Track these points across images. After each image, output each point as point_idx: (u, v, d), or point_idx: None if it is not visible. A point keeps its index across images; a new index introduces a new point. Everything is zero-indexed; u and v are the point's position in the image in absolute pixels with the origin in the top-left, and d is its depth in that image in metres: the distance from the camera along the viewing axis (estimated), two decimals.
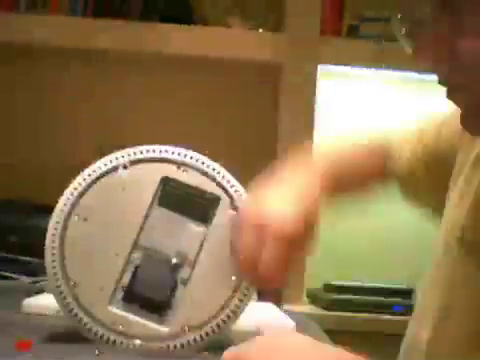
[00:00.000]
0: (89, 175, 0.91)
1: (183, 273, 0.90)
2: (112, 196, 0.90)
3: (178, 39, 1.58)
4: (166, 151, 0.92)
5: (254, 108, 1.69)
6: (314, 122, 1.58)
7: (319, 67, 1.59)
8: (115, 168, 0.91)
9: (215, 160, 0.95)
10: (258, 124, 1.69)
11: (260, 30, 1.62)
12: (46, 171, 1.65)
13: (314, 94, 1.58)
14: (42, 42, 1.56)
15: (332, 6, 1.63)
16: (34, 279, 1.35)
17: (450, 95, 0.68)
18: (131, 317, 0.89)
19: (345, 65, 1.62)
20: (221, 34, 1.59)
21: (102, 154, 0.90)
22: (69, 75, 1.68)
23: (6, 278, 1.37)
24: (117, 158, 0.91)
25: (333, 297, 1.55)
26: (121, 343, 0.87)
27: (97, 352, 0.82)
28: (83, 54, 1.64)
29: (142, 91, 1.69)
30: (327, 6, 1.62)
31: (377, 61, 1.57)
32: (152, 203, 0.90)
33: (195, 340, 0.88)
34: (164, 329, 0.89)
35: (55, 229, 0.90)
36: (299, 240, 0.78)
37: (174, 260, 0.90)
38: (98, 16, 1.60)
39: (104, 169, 0.91)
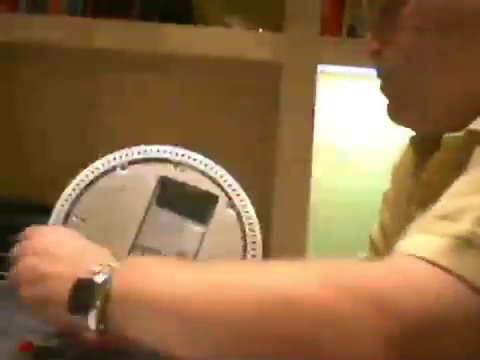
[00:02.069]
0: (87, 175, 0.91)
1: None
2: (110, 196, 0.90)
3: (178, 39, 1.57)
4: (164, 151, 0.92)
5: (254, 108, 1.69)
6: (314, 122, 1.58)
7: (319, 67, 1.59)
8: (113, 168, 0.91)
9: (214, 160, 0.95)
10: (258, 124, 1.69)
11: (260, 30, 1.62)
12: (46, 171, 1.65)
13: (314, 94, 1.58)
14: (42, 42, 1.56)
15: (332, 6, 1.63)
16: None
17: (381, 86, 0.82)
18: None
19: (345, 65, 1.62)
20: (221, 34, 1.59)
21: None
22: (69, 75, 1.68)
23: (6, 278, 1.37)
24: (115, 158, 0.91)
25: None
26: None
27: None
28: (83, 54, 1.64)
29: (141, 91, 1.69)
30: (327, 6, 1.62)
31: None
32: (150, 203, 0.90)
33: None
34: None
35: None
36: None
37: None
38: (98, 16, 1.60)
39: (102, 169, 0.91)
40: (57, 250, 0.73)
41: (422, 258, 0.58)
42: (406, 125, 0.83)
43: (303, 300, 0.56)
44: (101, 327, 0.65)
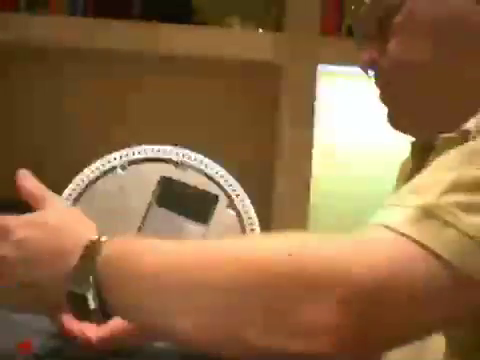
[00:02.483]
0: (88, 175, 0.91)
1: None
2: (111, 196, 0.90)
3: (178, 39, 1.58)
4: (165, 151, 0.92)
5: (254, 108, 1.69)
6: (314, 122, 1.58)
7: (319, 67, 1.59)
8: (114, 168, 0.91)
9: (214, 160, 0.95)
10: (258, 124, 1.69)
11: (260, 30, 1.62)
12: (46, 171, 1.65)
13: (314, 94, 1.58)
14: (42, 42, 1.56)
15: (332, 6, 1.63)
16: None
17: (379, 95, 0.84)
18: None
19: (345, 65, 1.62)
20: (221, 34, 1.59)
21: None
22: (69, 75, 1.68)
23: None
24: (115, 158, 0.91)
25: None
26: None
27: None
28: (83, 54, 1.64)
29: (142, 91, 1.69)
30: (327, 6, 1.62)
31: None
32: (151, 203, 0.90)
33: None
34: None
35: None
36: None
37: None
38: (98, 16, 1.60)
39: (103, 169, 0.91)
40: (41, 225, 0.74)
41: (386, 226, 0.61)
42: (405, 132, 0.85)
43: (272, 270, 0.59)
44: (102, 309, 0.66)
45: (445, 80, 0.79)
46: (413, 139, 0.88)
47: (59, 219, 0.76)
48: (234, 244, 0.64)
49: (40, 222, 0.76)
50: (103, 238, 0.69)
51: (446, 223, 0.59)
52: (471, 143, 0.66)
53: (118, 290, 0.65)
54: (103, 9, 1.61)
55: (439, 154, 0.74)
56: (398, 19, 0.79)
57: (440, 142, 0.76)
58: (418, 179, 0.66)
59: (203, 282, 0.61)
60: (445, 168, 0.64)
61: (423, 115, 0.82)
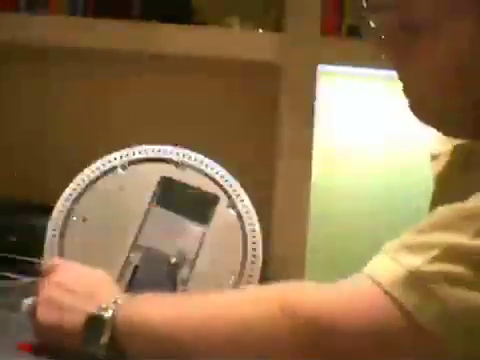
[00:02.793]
0: (88, 175, 0.91)
1: (182, 273, 0.90)
2: (111, 196, 0.90)
3: (178, 39, 1.57)
4: (165, 151, 0.92)
5: (254, 108, 1.69)
6: (314, 122, 1.58)
7: (319, 67, 1.58)
8: (114, 168, 0.91)
9: (214, 160, 0.95)
10: (258, 124, 1.68)
11: (260, 30, 1.62)
12: (46, 171, 1.65)
13: (314, 94, 1.57)
14: (42, 42, 1.56)
15: (332, 6, 1.63)
16: (34, 279, 1.35)
17: (402, 90, 0.83)
18: None
19: (345, 65, 1.62)
20: (221, 34, 1.59)
21: None
22: (69, 75, 1.68)
23: (6, 278, 1.37)
24: (116, 158, 0.92)
25: None
26: None
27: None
28: (83, 54, 1.64)
29: (141, 91, 1.69)
30: (327, 6, 1.62)
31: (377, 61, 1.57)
32: (151, 203, 0.90)
33: None
34: None
35: (54, 229, 0.90)
36: None
37: (173, 260, 0.90)
38: (98, 16, 1.60)
39: (103, 169, 0.91)
40: (74, 284, 0.82)
41: (375, 280, 0.66)
42: (428, 124, 0.84)
43: (262, 323, 0.67)
44: (112, 352, 0.77)
45: (473, 99, 0.78)
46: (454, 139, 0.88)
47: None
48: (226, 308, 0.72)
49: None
50: (122, 299, 0.79)
51: (430, 293, 0.63)
52: (469, 204, 0.67)
53: (131, 349, 0.76)
54: (103, 9, 1.61)
55: (453, 159, 0.77)
56: (427, 45, 0.78)
57: (456, 147, 0.77)
58: (417, 232, 0.69)
59: (206, 330, 0.70)
60: (443, 225, 0.67)
61: (451, 123, 0.81)
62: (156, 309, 0.76)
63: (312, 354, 0.64)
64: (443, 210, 0.68)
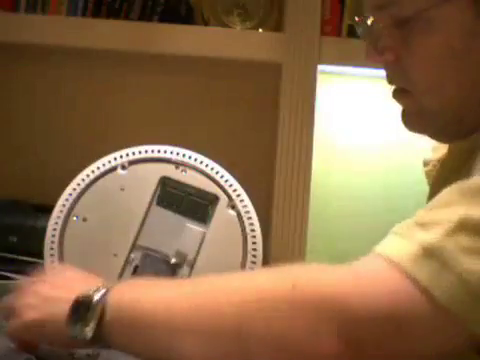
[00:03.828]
0: (88, 175, 0.91)
1: (183, 273, 0.90)
2: (111, 196, 0.90)
3: (178, 39, 1.57)
4: (165, 151, 0.92)
5: (254, 108, 1.69)
6: (314, 122, 1.58)
7: (319, 67, 1.58)
8: (114, 168, 0.91)
9: (214, 160, 0.95)
10: (258, 124, 1.69)
11: (260, 30, 1.62)
12: (46, 171, 1.65)
13: (314, 94, 1.57)
14: (42, 42, 1.56)
15: (332, 6, 1.63)
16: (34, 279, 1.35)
17: (397, 97, 0.85)
18: None
19: (345, 65, 1.62)
20: (221, 34, 1.59)
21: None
22: (69, 75, 1.68)
23: (6, 278, 1.37)
24: (116, 158, 0.92)
25: None
26: None
27: (90, 352, 0.82)
28: (83, 54, 1.64)
29: (141, 91, 1.69)
30: (327, 6, 1.62)
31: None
32: (151, 203, 0.90)
33: None
34: None
35: (54, 229, 0.90)
36: None
37: (173, 260, 0.90)
38: (98, 16, 1.60)
39: (103, 169, 0.91)
40: (56, 279, 0.80)
41: (390, 260, 0.63)
42: (422, 134, 0.86)
43: (274, 301, 0.63)
44: (97, 339, 0.72)
45: (470, 96, 0.79)
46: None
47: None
48: (238, 277, 0.68)
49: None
50: (112, 285, 0.75)
51: (447, 266, 0.61)
52: (477, 179, 0.67)
53: (120, 333, 0.71)
54: (103, 9, 1.61)
55: (450, 159, 0.76)
56: (423, 40, 0.79)
57: (453, 147, 0.77)
58: (427, 210, 0.67)
59: (210, 310, 0.64)
60: (454, 201, 0.65)
61: (446, 125, 0.81)
62: (149, 290, 0.72)
63: (325, 336, 0.60)
64: (451, 189, 0.67)
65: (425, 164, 0.95)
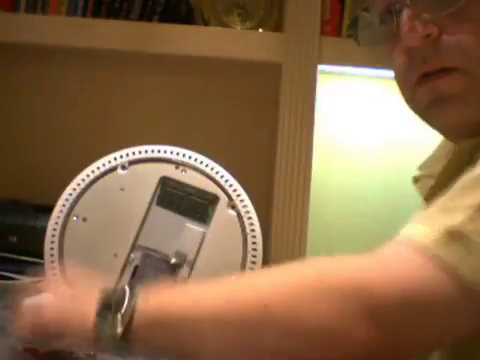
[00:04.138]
0: (88, 175, 0.91)
1: (183, 273, 0.90)
2: (111, 196, 0.90)
3: (178, 39, 1.57)
4: (165, 151, 0.92)
5: (254, 108, 1.69)
6: (314, 122, 1.58)
7: (319, 67, 1.58)
8: (114, 168, 0.91)
9: (214, 160, 0.95)
10: (258, 124, 1.69)
11: (260, 30, 1.62)
12: (46, 171, 1.65)
13: (314, 94, 1.58)
14: (42, 42, 1.56)
15: (332, 6, 1.63)
16: (34, 279, 1.35)
17: (438, 82, 0.78)
18: None
19: (345, 65, 1.62)
20: (221, 34, 1.59)
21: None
22: (69, 75, 1.68)
23: (6, 278, 1.37)
24: (116, 158, 0.92)
25: None
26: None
27: (92, 352, 0.82)
28: (83, 54, 1.64)
29: (141, 91, 1.69)
30: (327, 6, 1.62)
31: (377, 61, 1.58)
32: (151, 203, 0.90)
33: None
34: None
35: (54, 229, 0.90)
36: None
37: (173, 260, 0.90)
38: (98, 16, 1.60)
39: (103, 169, 0.91)
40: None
41: (414, 244, 0.62)
42: (460, 124, 0.81)
43: (301, 290, 0.61)
44: (125, 335, 0.68)
45: None
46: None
47: None
48: (264, 272, 0.67)
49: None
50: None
51: (472, 247, 0.61)
52: None
53: (149, 331, 0.67)
54: (103, 9, 1.61)
55: (458, 157, 0.76)
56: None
57: (461, 146, 0.77)
58: (449, 195, 0.67)
59: (238, 302, 0.63)
60: (474, 188, 0.65)
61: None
62: (176, 290, 0.70)
63: (354, 322, 0.59)
64: (468, 177, 0.67)
65: (415, 181, 0.95)
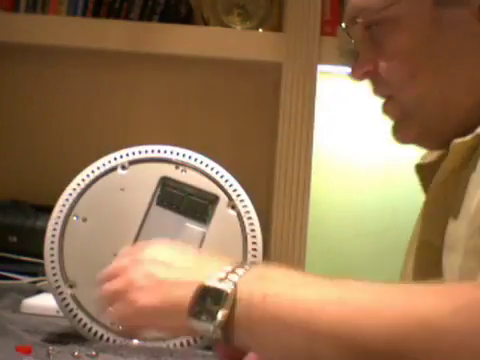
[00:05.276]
0: (88, 175, 0.91)
1: None
2: (111, 196, 0.90)
3: (178, 39, 1.57)
4: (165, 151, 0.92)
5: (254, 108, 1.69)
6: (314, 122, 1.58)
7: (319, 67, 1.58)
8: (114, 168, 0.91)
9: (214, 160, 0.95)
10: (258, 124, 1.69)
11: (260, 30, 1.62)
12: (46, 171, 1.65)
13: (314, 94, 1.58)
14: (42, 42, 1.56)
15: (332, 6, 1.63)
16: (34, 279, 1.35)
17: (383, 108, 0.87)
18: None
19: (345, 65, 1.61)
20: (221, 34, 1.59)
21: None
22: (68, 75, 1.68)
23: (6, 278, 1.37)
24: (116, 158, 0.91)
25: None
26: (120, 343, 0.87)
27: (94, 352, 0.82)
28: (83, 54, 1.64)
29: (141, 91, 1.69)
30: (327, 6, 1.62)
31: None
32: (151, 203, 0.90)
33: (195, 339, 0.88)
34: None
35: (54, 229, 0.90)
36: None
37: None
38: (98, 16, 1.60)
39: (103, 169, 0.91)
40: (169, 258, 0.70)
41: None
42: (413, 143, 0.87)
43: (437, 326, 0.55)
44: (223, 335, 0.62)
45: (447, 84, 0.80)
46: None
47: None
48: (393, 290, 0.59)
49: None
50: (240, 271, 0.65)
51: None
52: None
53: (249, 332, 0.62)
54: (103, 9, 1.61)
55: (454, 159, 0.76)
56: (394, 37, 0.82)
57: (455, 146, 0.77)
58: None
59: (360, 323, 0.57)
60: None
61: (432, 123, 0.83)
62: (283, 285, 0.61)
63: None
64: None
65: (418, 171, 0.95)
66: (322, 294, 0.60)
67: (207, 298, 0.62)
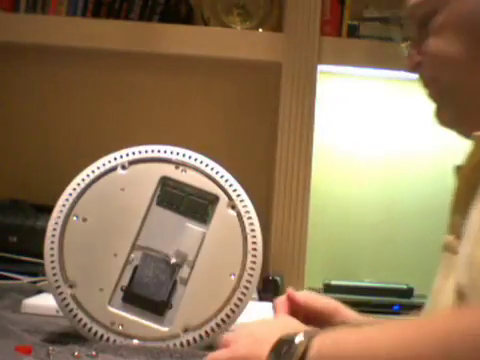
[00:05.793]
0: (88, 175, 0.91)
1: (182, 273, 0.90)
2: (111, 196, 0.90)
3: (178, 39, 1.58)
4: (165, 151, 0.92)
5: (254, 108, 1.69)
6: (314, 122, 1.58)
7: (319, 67, 1.59)
8: (114, 168, 0.91)
9: (214, 160, 0.95)
10: (258, 124, 1.69)
11: (260, 30, 1.62)
12: (46, 171, 1.65)
13: (314, 94, 1.58)
14: (42, 42, 1.56)
15: (332, 6, 1.63)
16: (34, 279, 1.35)
17: (426, 91, 0.87)
18: (130, 317, 0.89)
19: (345, 65, 1.62)
20: (221, 34, 1.59)
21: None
22: (69, 75, 1.68)
23: (6, 278, 1.37)
24: (116, 158, 0.91)
25: (333, 297, 1.54)
26: (120, 343, 0.87)
27: (94, 352, 0.82)
28: (83, 54, 1.64)
29: (141, 91, 1.69)
30: (327, 6, 1.62)
31: (377, 61, 1.58)
32: (151, 203, 0.90)
33: (194, 339, 0.88)
34: (164, 329, 0.89)
35: (54, 229, 0.90)
36: None
37: (173, 260, 0.90)
38: (98, 16, 1.60)
39: (103, 169, 0.91)
40: (262, 334, 0.78)
41: None
42: (450, 127, 0.87)
43: None
44: None
45: None
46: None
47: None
48: (456, 329, 0.60)
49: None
50: (314, 332, 0.71)
51: None
52: None
53: None
54: (103, 9, 1.61)
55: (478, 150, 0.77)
56: (439, 19, 0.83)
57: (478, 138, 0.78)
58: None
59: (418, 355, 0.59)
60: None
61: (467, 110, 0.83)
62: (352, 333, 0.68)
63: None
64: None
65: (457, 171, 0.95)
66: (382, 332, 0.65)
67: (281, 348, 0.70)
